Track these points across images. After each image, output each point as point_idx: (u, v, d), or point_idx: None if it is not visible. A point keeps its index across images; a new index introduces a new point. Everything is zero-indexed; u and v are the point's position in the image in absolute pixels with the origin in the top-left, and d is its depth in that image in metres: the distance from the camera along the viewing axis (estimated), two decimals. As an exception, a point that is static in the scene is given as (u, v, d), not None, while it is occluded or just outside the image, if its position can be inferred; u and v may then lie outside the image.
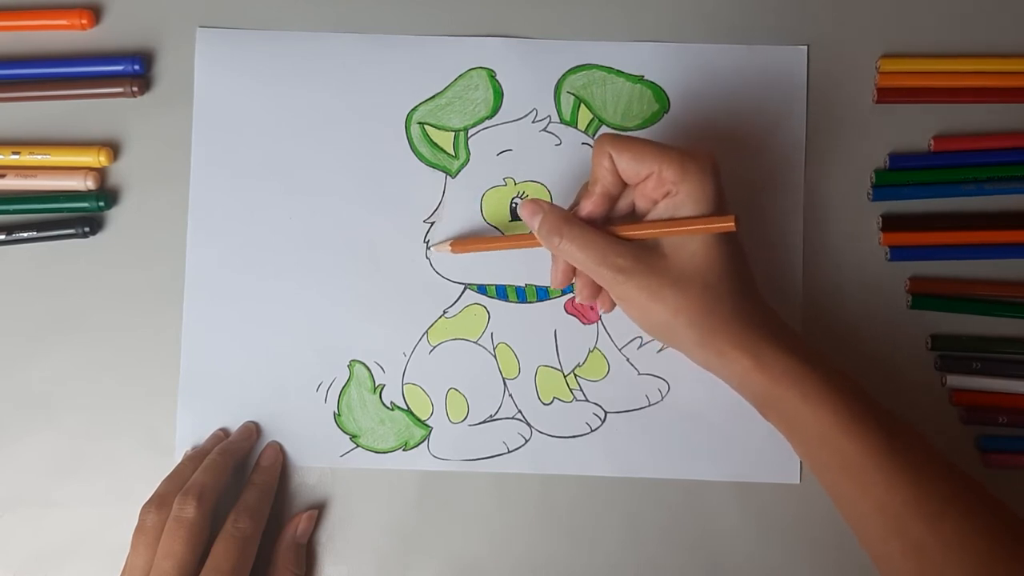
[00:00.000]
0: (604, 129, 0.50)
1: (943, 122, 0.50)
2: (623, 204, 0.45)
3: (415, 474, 0.49)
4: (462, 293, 0.50)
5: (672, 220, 0.42)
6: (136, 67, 0.50)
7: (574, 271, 0.46)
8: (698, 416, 0.49)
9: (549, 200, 0.50)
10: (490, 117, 0.50)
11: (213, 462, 0.46)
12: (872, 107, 0.50)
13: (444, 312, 0.50)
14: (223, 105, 0.51)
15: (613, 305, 0.46)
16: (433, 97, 0.50)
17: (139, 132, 0.51)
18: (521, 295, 0.50)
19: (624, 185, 0.44)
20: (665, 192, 0.42)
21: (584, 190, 0.45)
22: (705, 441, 0.49)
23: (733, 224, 0.41)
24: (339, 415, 0.50)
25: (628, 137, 0.43)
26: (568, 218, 0.44)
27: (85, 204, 0.50)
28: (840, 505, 0.42)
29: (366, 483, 0.49)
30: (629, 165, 0.42)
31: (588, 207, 0.44)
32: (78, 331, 0.50)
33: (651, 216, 0.43)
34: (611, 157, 0.43)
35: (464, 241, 0.49)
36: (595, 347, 0.50)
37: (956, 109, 0.50)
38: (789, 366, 0.42)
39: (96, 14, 0.51)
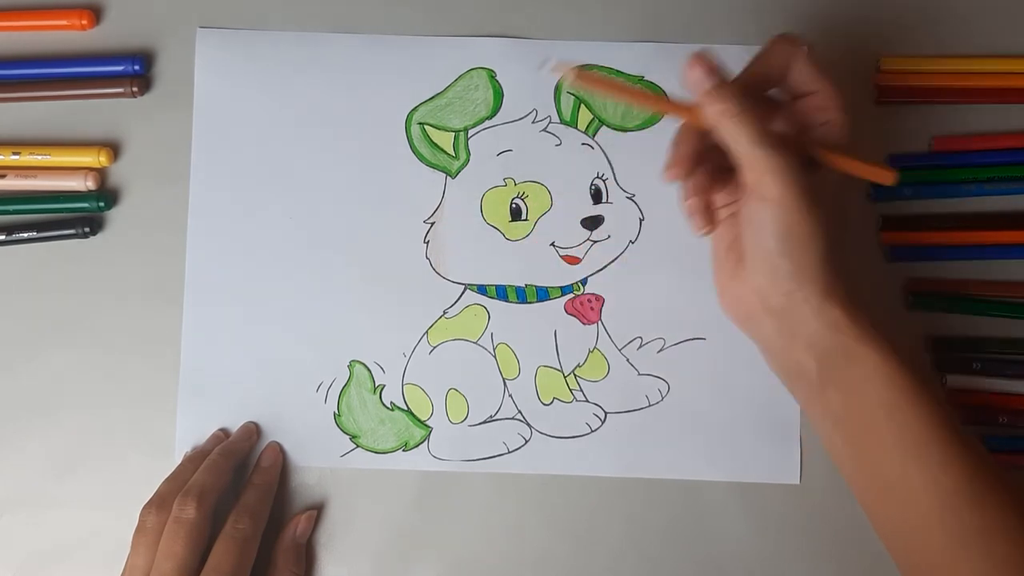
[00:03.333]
0: (604, 130, 0.50)
1: (943, 122, 0.50)
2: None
3: (415, 474, 0.49)
4: (462, 293, 0.50)
5: (841, 152, 0.42)
6: (136, 67, 0.50)
7: (693, 161, 0.43)
8: (698, 416, 0.49)
9: (550, 203, 0.50)
10: (490, 117, 0.50)
11: (213, 463, 0.46)
12: (872, 107, 0.50)
13: (444, 312, 0.50)
14: (223, 105, 0.51)
15: (714, 227, 0.44)
16: (433, 97, 0.50)
17: (139, 132, 0.51)
18: (521, 295, 0.50)
19: (779, 83, 0.43)
20: (824, 121, 0.42)
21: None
22: (705, 441, 0.49)
23: (893, 178, 0.42)
24: (339, 415, 0.50)
25: (816, 55, 0.42)
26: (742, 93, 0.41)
27: (85, 204, 0.50)
28: (878, 483, 0.41)
29: (366, 483, 0.49)
30: (808, 74, 0.42)
31: (745, 77, 0.42)
32: (78, 331, 0.50)
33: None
34: (796, 56, 0.42)
35: (591, 75, 0.42)
36: (595, 347, 0.50)
37: (956, 109, 0.50)
38: (871, 325, 0.41)
39: (96, 14, 0.51)
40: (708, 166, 0.44)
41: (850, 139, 0.42)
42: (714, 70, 0.41)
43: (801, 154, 0.41)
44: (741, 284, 0.43)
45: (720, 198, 0.45)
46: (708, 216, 0.44)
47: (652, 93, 0.43)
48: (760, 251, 0.41)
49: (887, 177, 0.42)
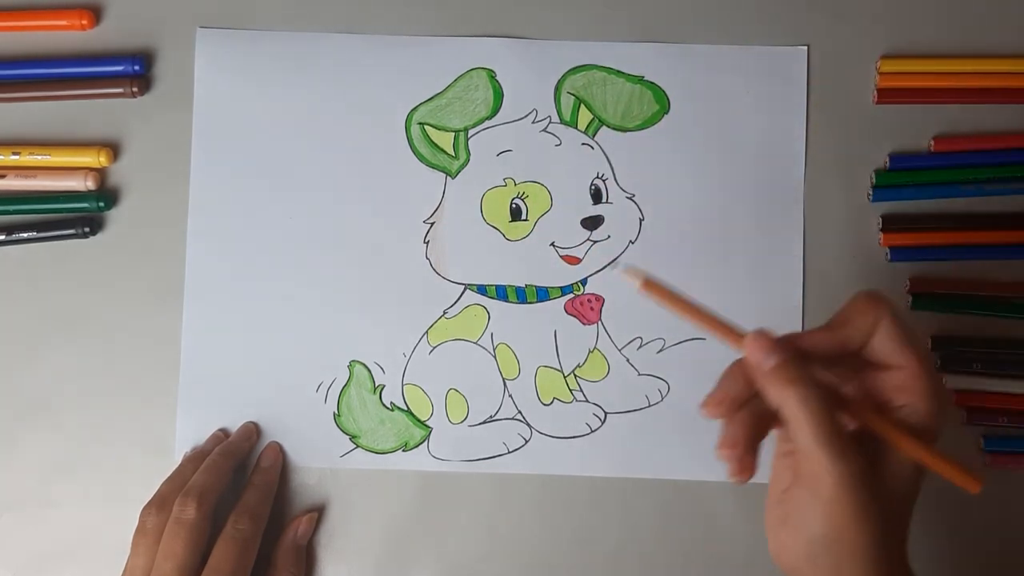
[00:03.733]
0: (604, 130, 0.50)
1: (943, 122, 0.50)
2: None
3: (415, 475, 0.49)
4: (462, 293, 0.50)
5: (921, 444, 0.36)
6: (136, 67, 0.50)
7: (738, 404, 0.37)
8: (698, 416, 0.49)
9: (550, 203, 0.50)
10: (490, 117, 0.50)
11: (213, 463, 0.47)
12: (872, 107, 0.50)
13: (444, 312, 0.50)
14: (223, 105, 0.51)
15: (751, 474, 0.37)
16: (433, 97, 0.50)
17: (139, 132, 0.51)
18: (521, 295, 0.50)
19: (858, 352, 0.37)
20: (904, 404, 0.36)
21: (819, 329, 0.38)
22: (705, 441, 0.49)
23: (978, 487, 0.36)
24: (339, 415, 0.50)
25: (906, 324, 0.37)
26: (808, 368, 0.36)
27: (85, 204, 0.50)
28: None
29: (366, 484, 0.49)
30: (891, 347, 0.36)
31: (818, 340, 0.37)
32: (78, 331, 0.50)
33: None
34: (880, 321, 0.36)
35: (658, 286, 0.38)
36: (595, 347, 0.50)
37: (956, 109, 0.50)
38: None
39: (96, 14, 0.51)
40: (757, 406, 0.37)
41: (937, 428, 0.36)
42: (774, 346, 0.36)
43: (872, 431, 0.36)
44: (787, 539, 0.37)
45: (781, 434, 0.39)
46: (745, 463, 0.37)
47: (722, 322, 0.37)
48: (803, 537, 0.36)
49: (972, 485, 0.36)
